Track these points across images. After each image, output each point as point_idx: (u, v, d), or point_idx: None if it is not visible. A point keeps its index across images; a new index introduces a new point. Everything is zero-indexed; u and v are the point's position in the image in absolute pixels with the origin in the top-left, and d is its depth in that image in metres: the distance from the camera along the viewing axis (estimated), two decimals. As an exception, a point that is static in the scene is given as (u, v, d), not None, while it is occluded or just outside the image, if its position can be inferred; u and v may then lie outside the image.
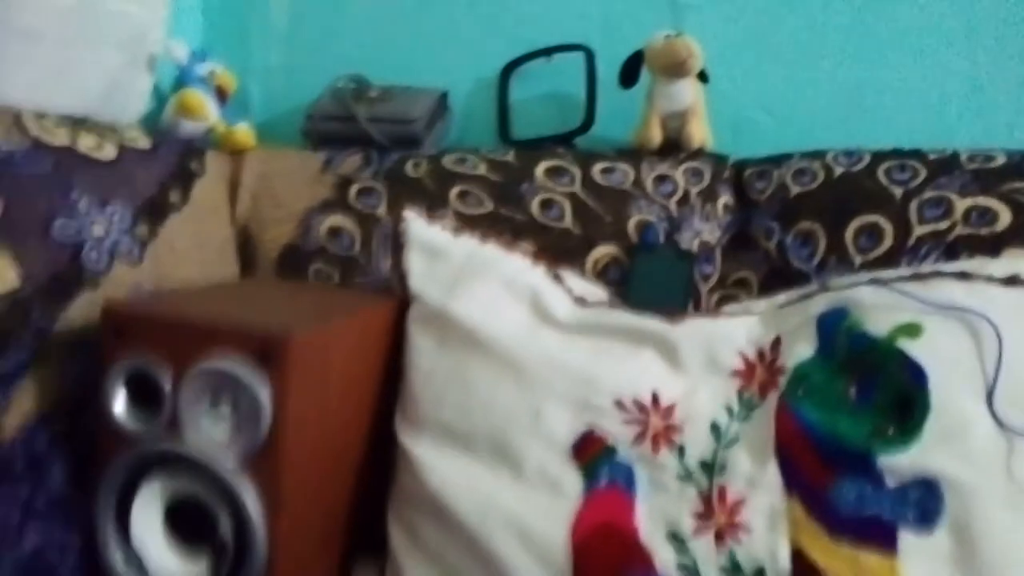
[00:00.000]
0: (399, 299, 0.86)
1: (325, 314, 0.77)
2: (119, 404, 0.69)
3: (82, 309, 0.78)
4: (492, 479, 0.73)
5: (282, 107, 1.27)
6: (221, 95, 1.20)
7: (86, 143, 0.89)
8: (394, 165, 1.02)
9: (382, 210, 0.98)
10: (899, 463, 0.63)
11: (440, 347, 0.79)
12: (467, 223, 0.94)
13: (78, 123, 0.91)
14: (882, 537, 0.62)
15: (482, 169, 1.00)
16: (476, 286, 0.81)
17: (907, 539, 0.62)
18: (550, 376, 0.74)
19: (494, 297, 0.80)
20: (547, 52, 1.16)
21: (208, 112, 1.16)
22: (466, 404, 0.76)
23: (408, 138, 1.11)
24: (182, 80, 1.20)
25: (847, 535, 0.63)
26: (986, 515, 0.62)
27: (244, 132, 1.16)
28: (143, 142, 0.96)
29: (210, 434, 0.67)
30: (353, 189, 1.00)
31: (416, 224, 0.88)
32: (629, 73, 1.07)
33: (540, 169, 0.98)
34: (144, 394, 0.69)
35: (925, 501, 0.62)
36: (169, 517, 0.71)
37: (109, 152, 0.90)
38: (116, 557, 0.70)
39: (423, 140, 1.12)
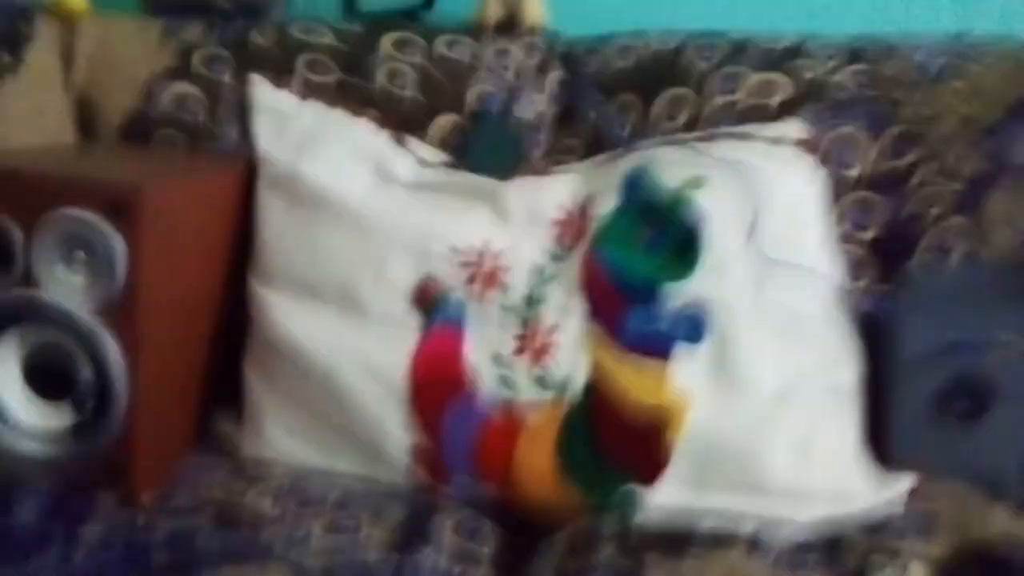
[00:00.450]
0: (247, 163, 0.90)
1: (175, 172, 0.81)
2: None
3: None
4: (341, 323, 0.81)
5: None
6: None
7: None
8: (239, 33, 1.03)
9: (228, 77, 0.99)
10: (678, 291, 0.77)
11: (289, 206, 0.85)
12: (314, 91, 0.97)
13: None
14: (661, 349, 0.76)
15: (329, 39, 1.03)
16: (323, 148, 0.87)
17: (677, 349, 0.76)
18: (392, 230, 0.82)
19: (340, 159, 0.86)
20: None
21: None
22: (315, 258, 0.83)
23: (253, 7, 1.11)
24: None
25: (635, 349, 0.76)
26: (739, 328, 0.77)
27: (76, -2, 1.13)
28: (-36, 2, 0.93)
29: (65, 285, 0.71)
30: (197, 56, 1.01)
31: (263, 89, 0.91)
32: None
33: (386, 41, 1.02)
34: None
35: (695, 320, 0.76)
36: (28, 371, 0.75)
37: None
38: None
39: (268, 10, 1.13)
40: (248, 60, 1.00)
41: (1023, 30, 0.99)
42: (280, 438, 0.83)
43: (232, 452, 0.85)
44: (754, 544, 0.71)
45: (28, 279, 0.71)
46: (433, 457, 0.79)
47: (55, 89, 1.00)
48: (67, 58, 1.03)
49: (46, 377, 0.74)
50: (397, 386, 0.79)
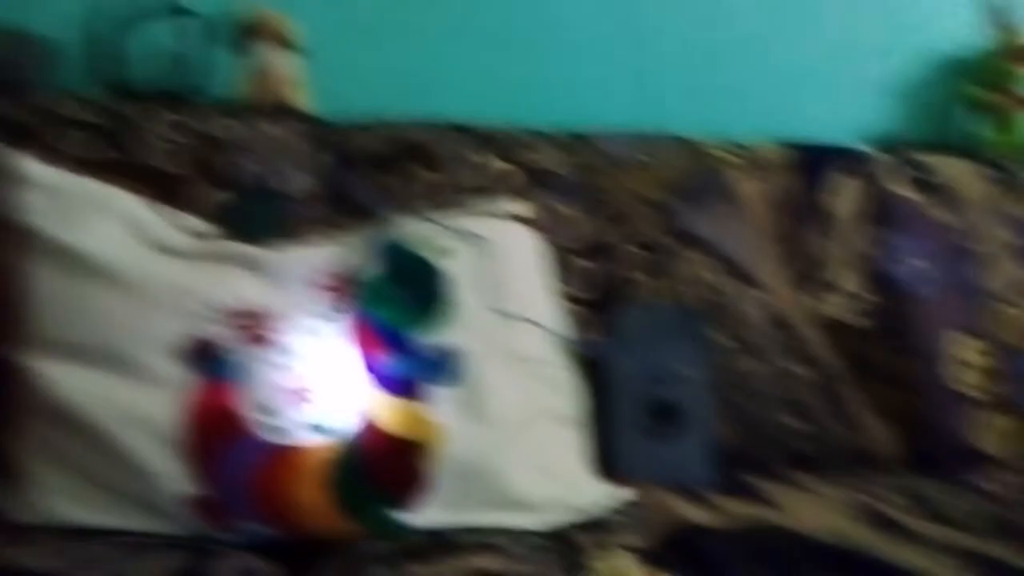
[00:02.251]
0: (6, 234, 0.90)
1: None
2: None
3: None
4: (113, 383, 0.84)
5: None
6: None
7: None
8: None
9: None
10: (429, 341, 0.91)
11: (58, 275, 0.87)
12: (82, 166, 0.98)
13: None
14: (417, 391, 0.89)
15: (86, 111, 1.06)
16: (93, 220, 0.90)
17: (434, 391, 0.89)
18: (162, 294, 0.87)
19: (110, 229, 0.90)
20: (160, 11, 1.24)
21: None
22: (86, 323, 0.86)
23: (10, 82, 1.12)
24: None
25: (394, 392, 0.88)
26: (486, 371, 0.91)
27: None
28: None
29: None
30: (-56, 128, 1.00)
31: (29, 163, 0.93)
32: (235, 39, 1.21)
33: (152, 119, 1.08)
34: None
35: (446, 365, 0.90)
36: None
37: None
38: None
39: (26, 85, 1.13)
40: (5, 133, 1.00)
41: (687, 128, 1.26)
42: (53, 502, 0.84)
43: (3, 519, 0.83)
44: (496, 548, 0.84)
45: None
46: (213, 505, 0.84)
47: None
48: None
49: None
50: (170, 439, 0.83)
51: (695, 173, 1.20)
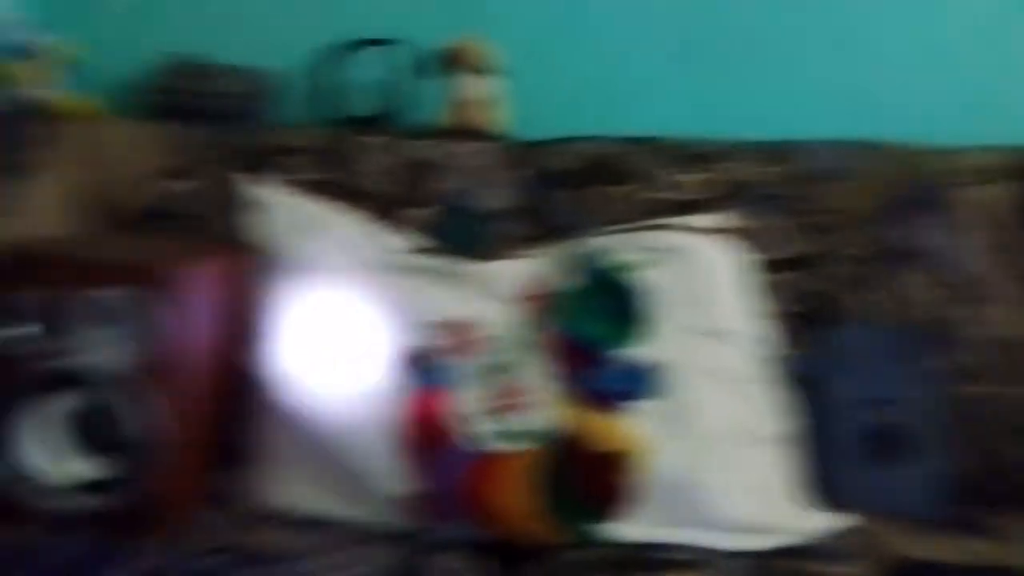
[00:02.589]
0: (245, 249, 1.00)
1: (192, 255, 0.91)
2: (21, 330, 0.80)
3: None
4: (337, 387, 0.91)
5: (122, 80, 1.34)
6: (62, 66, 1.27)
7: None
8: (230, 137, 1.15)
9: (222, 175, 1.11)
10: (629, 354, 0.90)
11: (287, 287, 0.96)
12: (300, 188, 1.08)
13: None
14: (617, 403, 0.89)
15: (311, 141, 1.15)
16: (317, 237, 0.98)
17: (636, 405, 0.89)
18: (380, 304, 0.93)
19: (331, 246, 0.98)
20: (366, 43, 1.34)
21: (46, 82, 1.23)
22: (312, 331, 0.93)
23: (241, 113, 1.25)
24: (15, 50, 1.25)
25: (594, 404, 0.89)
26: (687, 386, 0.90)
27: (87, 102, 1.25)
28: (-1, 107, 1.03)
29: (110, 352, 0.80)
30: (195, 157, 1.13)
31: (259, 186, 1.03)
32: (437, 65, 1.28)
33: (361, 144, 1.15)
34: (49, 321, 0.80)
35: (645, 378, 0.89)
36: (74, 428, 0.82)
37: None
38: (27, 460, 0.81)
39: (253, 115, 1.26)
40: (239, 160, 1.12)
41: (900, 136, 1.18)
42: (283, 491, 0.92)
43: (239, 505, 0.92)
44: (705, 568, 0.82)
45: (77, 347, 0.80)
46: (424, 503, 0.88)
47: (75, 183, 1.10)
48: (81, 156, 1.13)
49: (89, 434, 0.81)
50: (389, 440, 0.88)
51: (911, 182, 1.11)
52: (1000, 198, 1.10)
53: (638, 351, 0.90)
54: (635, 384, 0.89)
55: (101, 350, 0.80)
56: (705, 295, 0.95)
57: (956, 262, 1.08)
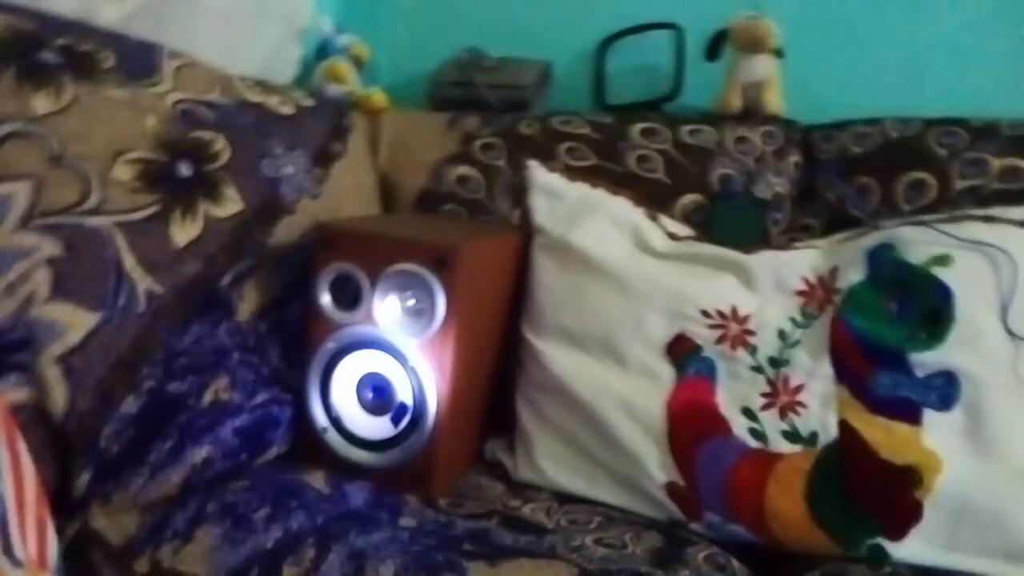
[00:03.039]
0: (523, 231, 1.06)
1: (476, 235, 0.98)
2: (327, 298, 0.91)
3: (283, 231, 1.01)
4: (603, 370, 0.93)
5: (408, 75, 1.48)
6: (357, 63, 1.42)
7: (272, 101, 1.11)
8: (509, 125, 1.22)
9: (502, 161, 1.18)
10: (926, 360, 0.82)
11: (560, 269, 0.99)
12: (575, 174, 1.12)
13: (263, 85, 1.13)
14: (910, 413, 0.81)
15: (585, 129, 1.19)
16: (589, 221, 1.01)
17: (930, 415, 0.81)
18: (649, 292, 0.94)
19: (604, 230, 1.00)
20: (640, 29, 1.34)
21: (351, 79, 1.38)
22: (581, 313, 0.96)
23: (519, 103, 1.31)
24: (326, 50, 1.42)
25: (882, 411, 0.82)
26: (993, 400, 0.80)
27: (379, 96, 1.38)
28: (309, 101, 1.18)
29: (396, 322, 0.89)
30: (476, 144, 1.20)
31: (537, 171, 1.07)
32: (713, 48, 1.25)
33: (635, 130, 1.17)
34: (342, 293, 0.91)
35: (945, 388, 0.81)
36: (360, 390, 0.92)
37: (289, 109, 1.12)
38: (320, 416, 0.93)
39: (532, 104, 1.32)
40: (518, 147, 1.18)
41: None
42: (547, 466, 0.96)
43: (505, 474, 0.98)
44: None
45: (369, 316, 0.90)
46: (686, 495, 0.87)
47: (367, 170, 1.23)
48: (373, 145, 1.26)
49: (374, 396, 0.91)
50: (654, 427, 0.89)
51: None
52: None
53: (936, 357, 0.82)
54: (934, 394, 0.81)
55: (392, 320, 0.88)
56: (1018, 297, 0.84)
57: None
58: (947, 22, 1.21)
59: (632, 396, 0.91)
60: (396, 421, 0.90)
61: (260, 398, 0.91)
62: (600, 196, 1.05)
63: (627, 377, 0.92)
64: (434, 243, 0.88)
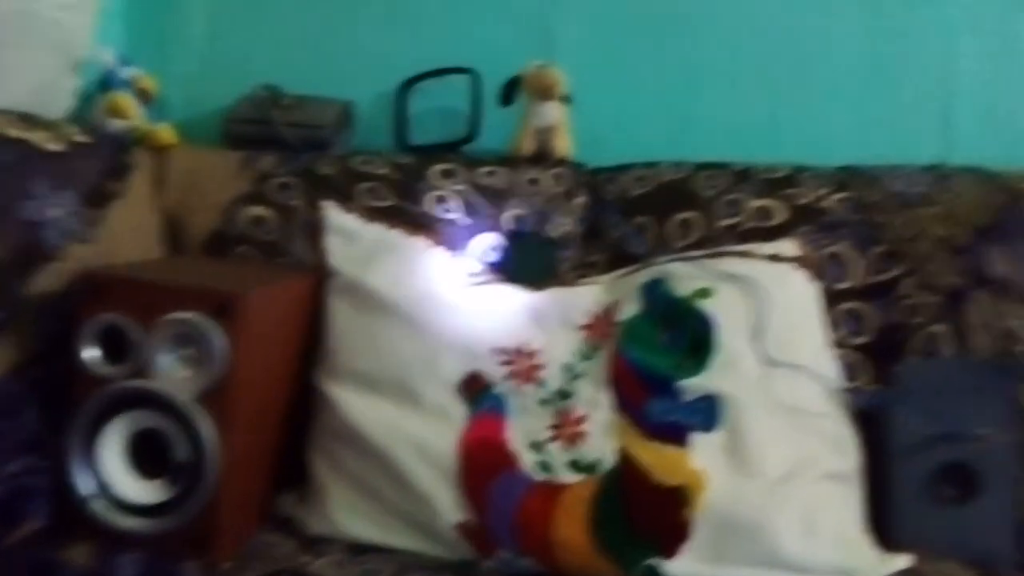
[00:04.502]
0: (316, 274, 1.04)
1: (263, 280, 0.95)
2: (92, 352, 0.85)
3: (46, 279, 0.93)
4: (397, 412, 0.93)
5: (200, 110, 1.42)
6: (143, 97, 1.34)
7: (37, 137, 1.02)
8: (307, 164, 1.19)
9: (298, 202, 1.15)
10: (692, 385, 0.89)
11: (355, 311, 0.99)
12: (373, 214, 1.12)
13: (28, 119, 1.04)
14: (679, 436, 0.87)
15: (385, 169, 1.18)
16: (385, 262, 1.01)
17: (696, 437, 0.87)
18: (443, 331, 0.95)
19: (399, 271, 1.00)
20: (440, 72, 1.37)
21: (134, 113, 1.31)
22: (376, 355, 0.96)
23: (318, 142, 1.29)
24: (108, 83, 1.33)
25: (656, 436, 0.88)
26: (750, 419, 0.88)
27: (167, 131, 1.31)
28: (84, 137, 1.10)
29: (172, 375, 0.84)
30: (271, 184, 1.17)
31: (332, 212, 1.06)
32: (507, 94, 1.29)
33: (433, 171, 1.18)
34: (111, 346, 0.85)
35: (708, 410, 0.88)
36: (132, 451, 0.86)
37: (57, 145, 1.04)
38: (84, 483, 0.85)
39: (331, 144, 1.30)
40: (315, 187, 1.16)
41: (990, 161, 1.13)
42: (341, 517, 0.93)
43: (297, 529, 0.95)
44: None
45: (140, 370, 0.84)
46: (479, 532, 0.88)
47: (150, 211, 1.16)
48: (159, 184, 1.19)
49: (147, 457, 0.85)
50: (447, 467, 0.89)
51: (997, 208, 1.07)
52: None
53: (702, 383, 0.89)
54: (699, 417, 0.88)
55: (167, 374, 0.83)
56: (772, 325, 0.93)
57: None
58: (715, 68, 1.32)
59: (425, 437, 0.91)
60: (173, 482, 0.84)
61: (13, 467, 0.83)
62: (397, 237, 1.06)
63: (421, 418, 0.92)
64: (214, 290, 0.84)
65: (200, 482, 0.84)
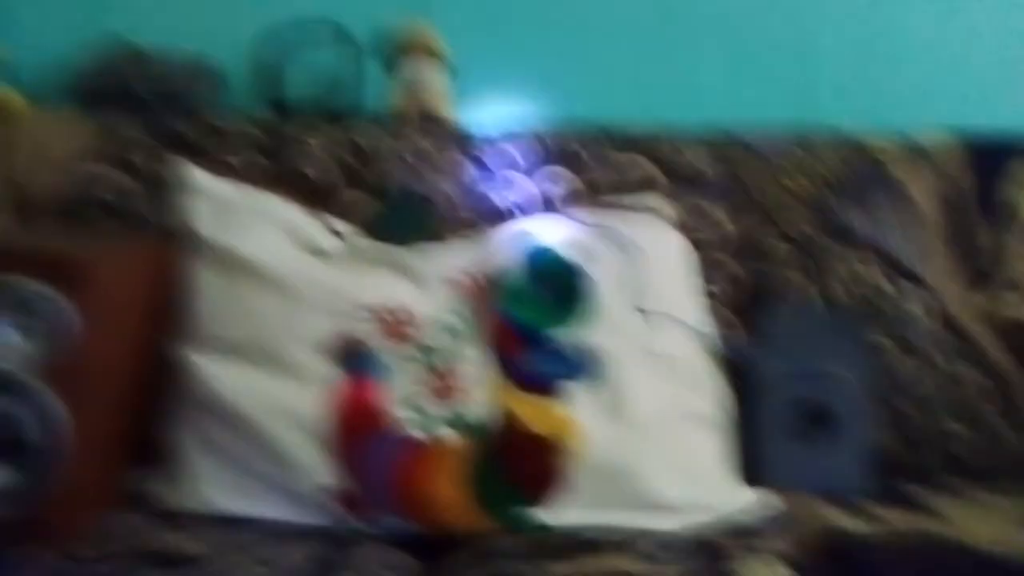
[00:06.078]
0: (174, 238, 0.98)
1: (115, 246, 0.89)
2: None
3: None
4: (264, 378, 0.89)
5: (46, 70, 1.31)
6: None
7: None
8: (166, 124, 1.12)
9: (155, 164, 1.08)
10: (564, 336, 0.90)
11: (217, 276, 0.94)
12: (241, 176, 1.06)
13: None
14: (552, 387, 0.89)
15: (251, 128, 1.13)
16: (248, 224, 0.96)
17: (568, 386, 0.89)
18: (312, 293, 0.92)
19: (264, 232, 0.96)
20: (313, 27, 1.31)
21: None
22: (241, 321, 0.92)
23: (177, 100, 1.22)
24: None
25: (531, 389, 0.88)
26: (621, 367, 0.90)
27: (11, 95, 1.21)
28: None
29: (16, 351, 0.77)
30: (126, 145, 1.10)
31: (194, 173, 1.01)
32: (386, 52, 1.26)
33: (307, 131, 1.13)
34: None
35: (581, 360, 0.89)
36: None
37: None
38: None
39: (191, 102, 1.23)
40: (174, 147, 1.09)
41: (847, 124, 1.19)
42: (203, 489, 0.89)
43: (158, 506, 0.90)
44: (637, 549, 0.82)
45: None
46: (354, 497, 0.87)
47: (-4, 175, 1.07)
48: (5, 148, 1.10)
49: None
50: (318, 431, 0.87)
51: (854, 167, 1.12)
52: (946, 179, 1.12)
53: (574, 334, 0.90)
54: (570, 367, 0.89)
55: (8, 349, 0.77)
56: (642, 278, 0.95)
57: (898, 245, 1.09)
58: (585, 32, 1.33)
59: (294, 402, 0.88)
60: (15, 465, 0.78)
61: None
62: (261, 197, 1.02)
63: (289, 383, 0.89)
64: (61, 256, 0.78)
65: (49, 464, 0.78)
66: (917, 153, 1.13)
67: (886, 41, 1.30)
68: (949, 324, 1.07)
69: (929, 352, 1.06)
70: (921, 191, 1.11)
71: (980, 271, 1.09)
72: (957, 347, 1.06)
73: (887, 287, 1.07)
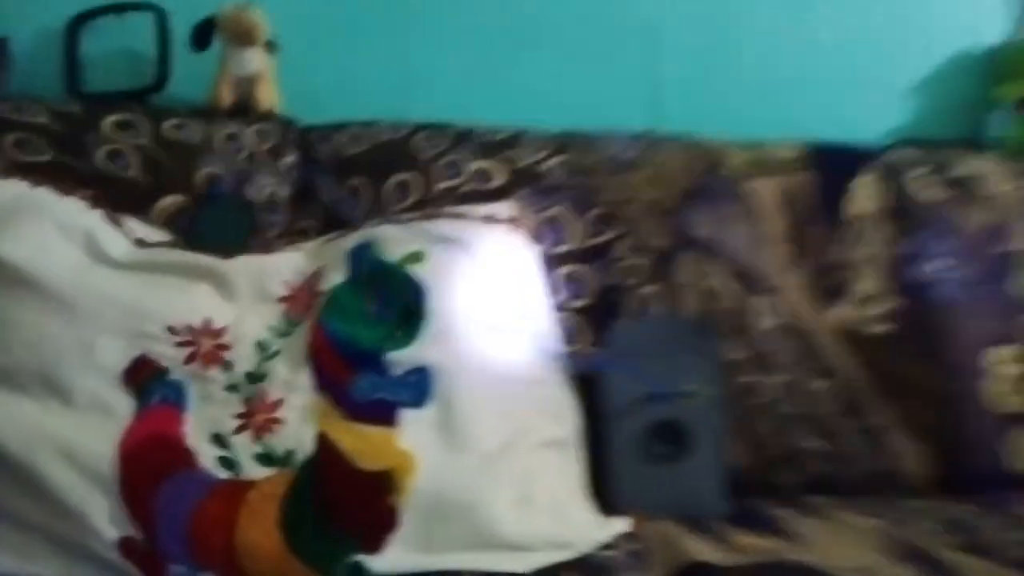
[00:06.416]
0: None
1: None
2: None
3: None
4: (40, 411, 0.76)
5: None
6: None
7: None
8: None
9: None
10: (402, 358, 0.81)
11: (-6, 285, 0.79)
12: (24, 171, 0.91)
13: None
14: (387, 415, 0.79)
15: (43, 118, 0.99)
16: (24, 227, 0.82)
17: (406, 414, 0.79)
18: (101, 310, 0.79)
19: (44, 238, 0.82)
20: (119, 7, 1.17)
21: None
22: (12, 343, 0.78)
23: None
24: None
25: (361, 417, 0.78)
26: (463, 390, 0.81)
27: None
28: None
29: None
30: None
31: (-45, 168, 0.85)
32: (201, 37, 1.13)
33: (107, 122, 1.01)
34: None
35: (419, 384, 0.80)
36: None
37: None
38: None
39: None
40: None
41: (698, 130, 1.17)
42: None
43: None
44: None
45: None
46: (144, 549, 0.74)
47: None
48: None
49: None
50: (103, 474, 0.74)
51: (700, 173, 1.10)
52: (792, 189, 1.11)
53: (414, 354, 0.81)
54: (408, 392, 0.80)
55: None
56: (486, 290, 0.87)
57: (744, 252, 1.07)
58: (438, 25, 1.25)
59: (76, 439, 0.75)
60: None
61: None
62: (43, 196, 0.87)
63: (72, 417, 0.76)
64: None
65: None
66: (763, 161, 1.13)
67: (739, 50, 1.30)
68: (795, 333, 1.06)
69: (777, 362, 1.05)
70: (766, 198, 1.11)
71: (830, 283, 1.09)
72: (804, 356, 1.05)
73: (734, 295, 1.05)
